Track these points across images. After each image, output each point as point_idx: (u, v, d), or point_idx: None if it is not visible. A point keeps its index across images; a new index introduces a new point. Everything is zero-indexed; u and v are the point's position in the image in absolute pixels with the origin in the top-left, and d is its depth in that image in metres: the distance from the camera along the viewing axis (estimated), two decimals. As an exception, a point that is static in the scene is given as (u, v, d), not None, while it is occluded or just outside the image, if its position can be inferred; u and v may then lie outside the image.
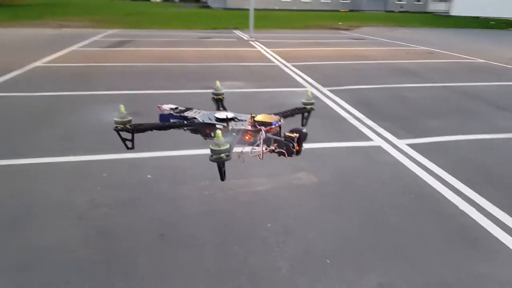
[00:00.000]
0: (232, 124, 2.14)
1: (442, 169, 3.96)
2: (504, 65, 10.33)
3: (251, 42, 14.63)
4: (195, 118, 2.31)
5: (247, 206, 3.26)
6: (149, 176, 3.76)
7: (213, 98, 2.79)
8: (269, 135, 1.99)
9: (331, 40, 16.39)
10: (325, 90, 7.41)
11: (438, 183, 3.68)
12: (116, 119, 2.33)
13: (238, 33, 18.44)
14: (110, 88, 6.97)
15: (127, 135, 2.40)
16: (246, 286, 2.35)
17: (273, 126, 2.09)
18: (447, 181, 3.71)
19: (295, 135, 1.94)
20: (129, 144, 2.43)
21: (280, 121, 2.21)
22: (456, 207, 3.28)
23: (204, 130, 2.27)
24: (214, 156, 1.83)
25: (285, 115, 2.44)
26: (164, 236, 2.85)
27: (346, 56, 11.75)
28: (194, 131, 2.30)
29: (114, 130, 2.32)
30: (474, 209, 3.24)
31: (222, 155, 1.81)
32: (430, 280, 2.44)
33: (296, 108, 2.65)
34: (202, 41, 14.69)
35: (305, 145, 2.13)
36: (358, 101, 6.55)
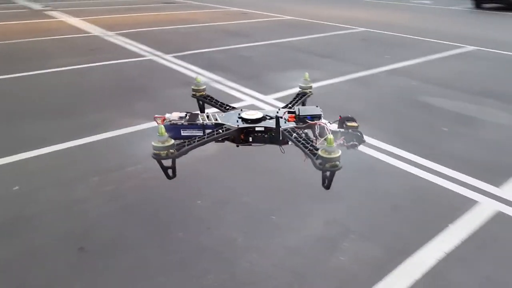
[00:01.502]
0: (269, 123, 1.92)
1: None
2: (309, 20, 12.10)
3: (47, 13, 12.49)
4: (223, 124, 1.94)
5: (163, 190, 3.00)
6: (16, 187, 2.98)
7: (194, 95, 2.43)
8: (331, 127, 1.87)
9: (141, 5, 15.57)
10: (168, 57, 7.16)
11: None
12: (156, 144, 1.71)
13: (26, 3, 15.37)
14: None
15: (168, 162, 1.85)
16: (212, 269, 2.25)
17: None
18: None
19: (355, 123, 1.86)
20: (170, 172, 1.85)
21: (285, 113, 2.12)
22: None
23: (239, 136, 1.95)
24: (328, 165, 1.57)
25: (292, 105, 2.34)
26: (84, 250, 2.38)
27: (170, 21, 11.47)
28: (224, 139, 1.94)
29: (154, 158, 1.71)
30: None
31: (336, 162, 1.59)
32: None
33: (298, 95, 2.54)
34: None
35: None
36: (209, 64, 6.62)
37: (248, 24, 11.31)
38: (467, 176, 3.17)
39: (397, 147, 3.67)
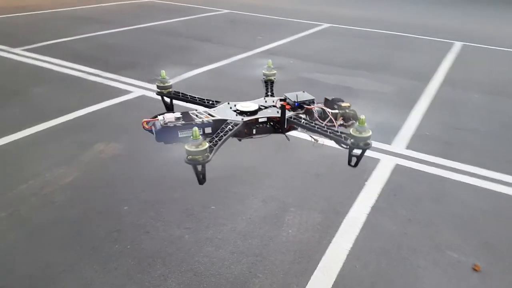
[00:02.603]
0: (268, 113, 1.80)
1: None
2: (170, 2, 11.76)
3: None
4: (224, 119, 1.73)
5: (74, 203, 2.68)
6: None
7: (161, 93, 2.07)
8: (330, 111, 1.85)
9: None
10: (18, 50, 6.15)
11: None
12: (191, 149, 1.32)
13: None
14: None
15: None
16: (170, 273, 2.15)
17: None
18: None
19: (347, 103, 1.84)
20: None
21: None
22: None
23: (244, 130, 1.74)
24: (362, 144, 1.57)
25: (271, 94, 2.22)
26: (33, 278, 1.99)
27: (2, 8, 9.73)
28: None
29: (190, 163, 1.35)
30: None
31: (368, 141, 1.60)
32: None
33: (266, 82, 2.38)
34: None
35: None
36: (74, 56, 5.94)
37: (103, 8, 10.41)
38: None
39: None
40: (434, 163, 3.31)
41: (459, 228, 2.57)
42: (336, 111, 1.85)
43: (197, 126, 1.55)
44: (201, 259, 2.24)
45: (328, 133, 1.69)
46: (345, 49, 7.09)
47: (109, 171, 3.07)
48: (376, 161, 3.31)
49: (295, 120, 1.82)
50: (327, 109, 1.84)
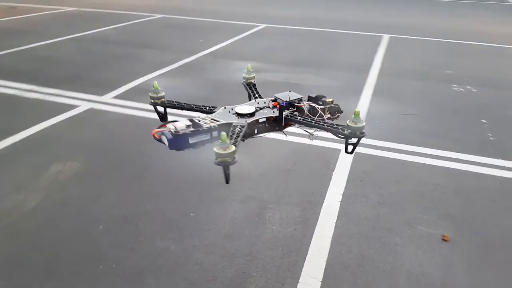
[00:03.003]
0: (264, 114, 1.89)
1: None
2: (96, 10, 11.24)
3: None
4: (230, 123, 1.79)
5: (60, 215, 2.52)
6: None
7: (155, 103, 1.99)
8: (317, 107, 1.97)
9: None
10: None
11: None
12: (221, 151, 1.46)
13: None
14: None
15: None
16: (163, 287, 2.12)
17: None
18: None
19: (330, 99, 2.00)
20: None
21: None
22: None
23: (247, 131, 1.82)
24: (358, 133, 1.79)
25: (258, 96, 2.25)
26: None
27: None
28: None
29: (221, 165, 1.48)
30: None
31: (363, 130, 1.80)
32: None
33: (249, 86, 2.38)
34: None
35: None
36: (4, 71, 5.49)
37: (29, 19, 9.69)
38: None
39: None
40: (390, 147, 3.58)
41: (422, 204, 2.82)
42: (323, 106, 1.98)
43: (206, 131, 1.60)
44: (192, 268, 2.24)
45: (326, 126, 1.81)
46: (285, 48, 7.32)
47: (72, 192, 2.92)
48: (337, 151, 3.50)
49: (292, 118, 1.93)
50: (317, 106, 1.96)
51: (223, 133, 1.52)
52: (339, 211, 2.73)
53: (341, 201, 2.83)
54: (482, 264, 2.31)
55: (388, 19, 10.69)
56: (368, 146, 3.59)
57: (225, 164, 1.54)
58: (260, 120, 1.94)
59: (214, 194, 2.90)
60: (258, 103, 2.14)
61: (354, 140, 1.79)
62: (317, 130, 1.97)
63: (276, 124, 1.98)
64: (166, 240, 2.45)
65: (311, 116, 1.96)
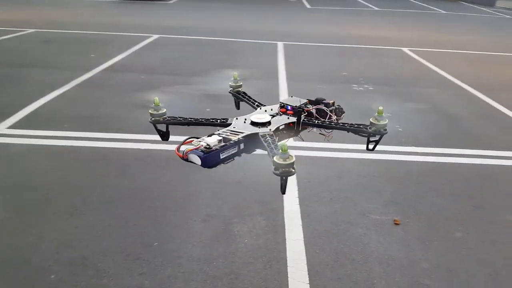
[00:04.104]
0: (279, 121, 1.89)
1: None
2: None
3: None
4: (255, 133, 1.77)
5: (-20, 291, 2.10)
6: None
7: (156, 120, 1.76)
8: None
9: None
10: None
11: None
12: (281, 162, 1.55)
13: None
14: None
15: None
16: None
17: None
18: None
19: (332, 101, 2.05)
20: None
21: None
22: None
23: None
24: (382, 130, 1.85)
25: (259, 103, 2.24)
26: None
27: None
28: None
29: (279, 175, 1.51)
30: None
31: (386, 127, 1.85)
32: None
33: (239, 94, 2.29)
34: None
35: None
36: None
37: None
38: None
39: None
40: (320, 147, 3.86)
41: (367, 195, 3.13)
42: (329, 108, 2.11)
43: (233, 144, 1.58)
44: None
45: (347, 127, 1.95)
46: (186, 58, 7.26)
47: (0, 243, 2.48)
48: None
49: (309, 122, 2.01)
50: (325, 108, 2.08)
51: (284, 143, 1.50)
52: (301, 214, 2.86)
53: (299, 204, 2.97)
54: (431, 238, 2.67)
55: (277, 27, 11.39)
56: (300, 148, 3.81)
57: (288, 174, 1.55)
58: (280, 128, 1.96)
59: (171, 218, 2.76)
60: (265, 110, 2.16)
61: (376, 137, 1.96)
62: (330, 132, 2.09)
63: (292, 129, 2.02)
64: (136, 276, 2.26)
65: (321, 119, 2.05)
